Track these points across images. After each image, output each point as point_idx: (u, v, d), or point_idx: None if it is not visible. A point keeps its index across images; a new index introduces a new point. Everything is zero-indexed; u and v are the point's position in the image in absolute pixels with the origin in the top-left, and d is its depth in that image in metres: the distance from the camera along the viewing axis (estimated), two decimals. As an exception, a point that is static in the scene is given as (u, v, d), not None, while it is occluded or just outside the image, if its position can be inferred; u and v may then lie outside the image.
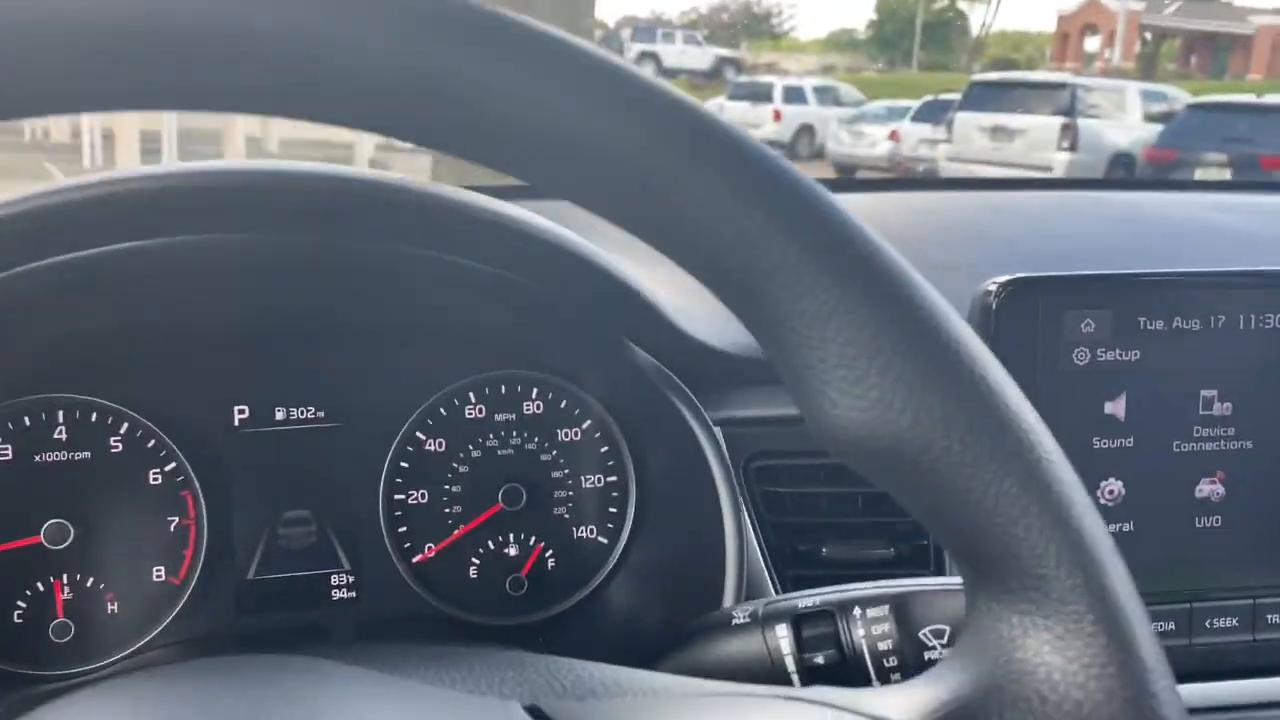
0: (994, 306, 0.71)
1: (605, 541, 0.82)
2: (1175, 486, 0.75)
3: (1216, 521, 0.76)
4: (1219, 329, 0.74)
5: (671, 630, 0.62)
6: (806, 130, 13.33)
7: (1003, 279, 0.71)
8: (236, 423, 0.78)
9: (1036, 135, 10.13)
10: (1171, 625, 0.76)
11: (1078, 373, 0.72)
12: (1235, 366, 0.75)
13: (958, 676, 0.36)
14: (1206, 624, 0.76)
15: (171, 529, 0.76)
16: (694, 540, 0.75)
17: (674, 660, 0.56)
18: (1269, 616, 0.77)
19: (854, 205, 0.37)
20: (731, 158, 0.35)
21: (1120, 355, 0.73)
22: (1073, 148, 9.91)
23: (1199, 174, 7.85)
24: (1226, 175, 7.81)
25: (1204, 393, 0.74)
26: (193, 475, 0.76)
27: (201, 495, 0.76)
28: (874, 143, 11.51)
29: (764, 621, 0.52)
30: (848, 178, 9.60)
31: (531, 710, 0.37)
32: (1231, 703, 0.76)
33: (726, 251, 0.36)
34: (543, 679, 0.40)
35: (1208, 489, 0.75)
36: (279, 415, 0.78)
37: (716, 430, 0.74)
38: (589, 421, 0.82)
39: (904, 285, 0.36)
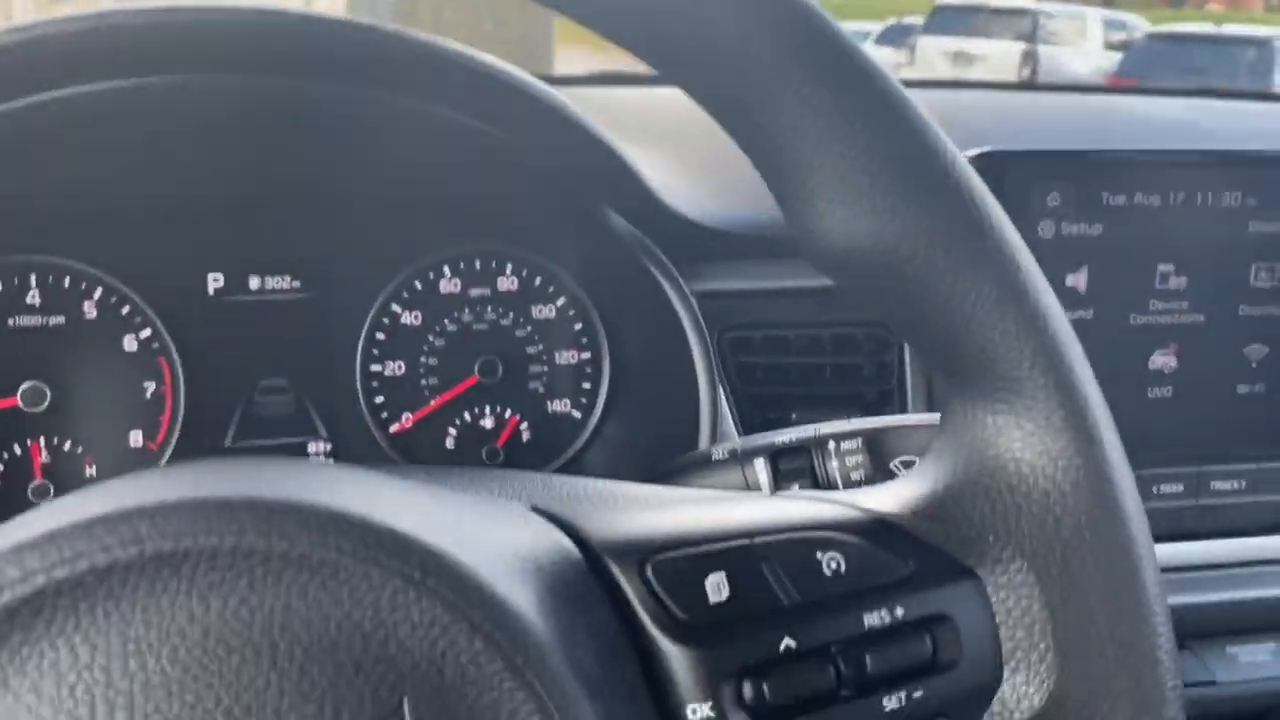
0: (963, 179, 0.73)
1: (579, 416, 0.83)
2: (1130, 358, 0.78)
3: (1168, 392, 0.79)
4: (1177, 205, 0.76)
5: (649, 472, 0.64)
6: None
7: (972, 153, 0.73)
8: (211, 291, 0.78)
9: (997, 61, 10.13)
10: (1122, 492, 0.79)
11: (1042, 245, 0.74)
12: (1191, 242, 0.77)
13: (933, 469, 0.39)
14: (1153, 490, 0.80)
15: (148, 395, 0.76)
16: (669, 412, 0.77)
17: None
18: (1213, 483, 0.80)
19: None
20: None
21: (1083, 229, 0.75)
22: (1033, 74, 9.93)
23: (1156, 103, 7.89)
24: (1183, 104, 7.85)
25: (1161, 267, 0.77)
26: (169, 342, 0.76)
27: (178, 362, 0.77)
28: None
29: (742, 457, 0.55)
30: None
31: (536, 509, 0.39)
32: (1176, 565, 0.81)
33: (721, 65, 0.37)
34: (540, 489, 0.42)
35: (1161, 361, 0.78)
36: (254, 284, 0.79)
37: (694, 301, 0.76)
38: (564, 299, 0.83)
39: (896, 101, 0.37)
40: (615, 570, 0.34)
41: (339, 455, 0.80)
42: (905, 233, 0.37)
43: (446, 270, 0.82)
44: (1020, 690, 0.37)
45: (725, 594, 0.34)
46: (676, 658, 0.33)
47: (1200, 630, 0.83)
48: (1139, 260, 0.76)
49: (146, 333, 0.76)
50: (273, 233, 0.78)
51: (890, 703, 0.35)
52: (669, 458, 0.74)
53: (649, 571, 0.34)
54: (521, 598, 0.32)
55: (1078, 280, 0.75)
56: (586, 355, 0.84)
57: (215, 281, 0.78)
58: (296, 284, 0.79)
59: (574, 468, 0.82)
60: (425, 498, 0.35)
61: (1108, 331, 0.77)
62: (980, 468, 0.38)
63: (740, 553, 0.35)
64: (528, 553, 0.34)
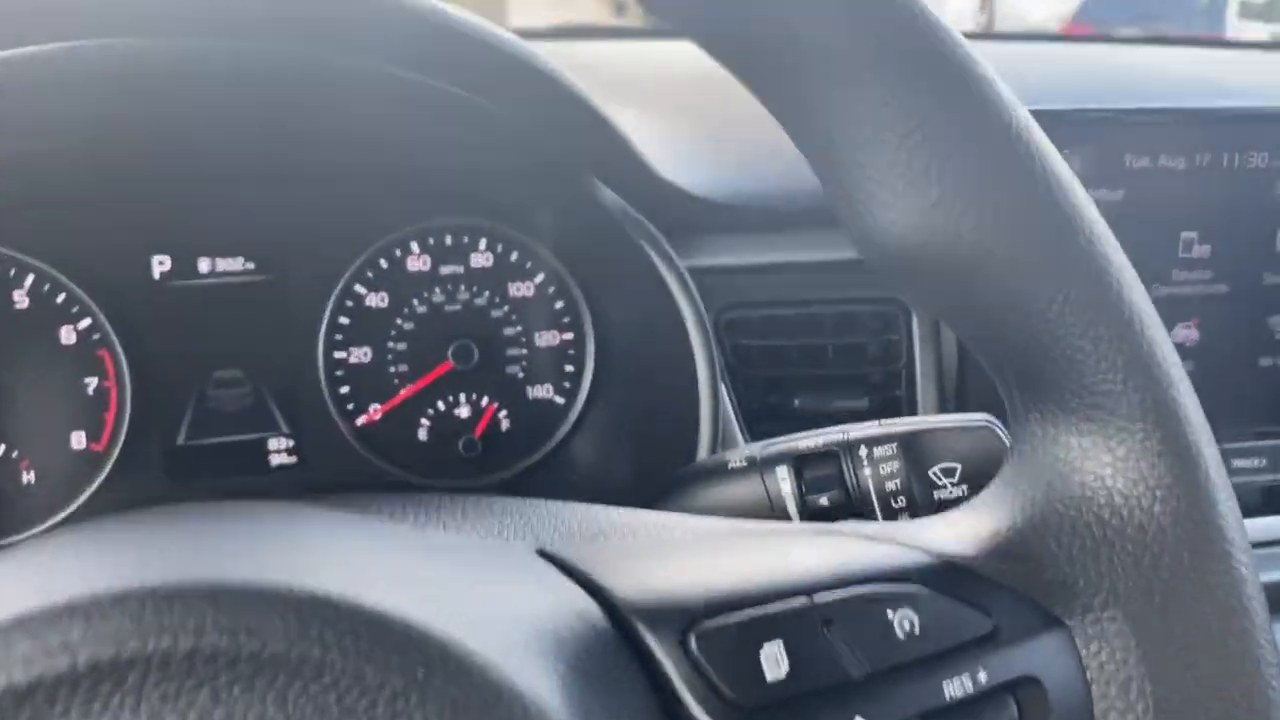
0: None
1: (562, 401, 0.77)
2: (1151, 332, 0.73)
3: (1189, 367, 0.74)
4: (1203, 167, 0.71)
5: (643, 487, 0.59)
6: None
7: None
8: (157, 275, 0.71)
9: (954, 4, 10.06)
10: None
11: (1060, 214, 0.69)
12: (1215, 208, 0.72)
13: (1009, 502, 0.33)
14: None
15: (90, 391, 0.69)
16: (662, 395, 0.71)
17: (669, 506, 0.53)
18: (1234, 461, 0.76)
19: None
20: None
21: (1105, 194, 0.70)
22: (990, 20, 9.87)
23: (1112, 49, 7.89)
24: (1138, 50, 7.86)
25: (1184, 234, 0.72)
26: (111, 333, 0.69)
27: (122, 355, 0.69)
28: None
29: (763, 465, 0.49)
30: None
31: (545, 554, 0.33)
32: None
33: (769, 40, 0.31)
34: (546, 522, 0.36)
35: (1182, 334, 0.74)
36: (204, 267, 0.72)
37: (689, 277, 0.70)
38: (543, 275, 0.76)
39: (970, 73, 0.31)
40: (652, 642, 0.29)
41: (302, 451, 0.74)
42: (981, 228, 0.31)
43: (415, 246, 0.75)
44: None
45: (785, 668, 0.29)
46: None
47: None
48: (1162, 228, 0.71)
49: (86, 323, 0.69)
50: (223, 210, 0.71)
51: None
52: (662, 449, 0.69)
53: (693, 643, 0.29)
54: (542, 686, 0.26)
55: (1098, 250, 0.70)
56: (569, 336, 0.78)
57: (161, 265, 0.71)
58: (250, 266, 0.72)
59: (558, 458, 0.76)
60: (419, 557, 0.29)
61: (1128, 304, 0.72)
62: (1065, 498, 0.32)
63: (800, 616, 0.30)
64: (547, 624, 0.28)
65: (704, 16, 0.32)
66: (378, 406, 0.75)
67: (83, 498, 0.69)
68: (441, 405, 0.76)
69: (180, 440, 0.72)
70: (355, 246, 0.74)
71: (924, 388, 0.72)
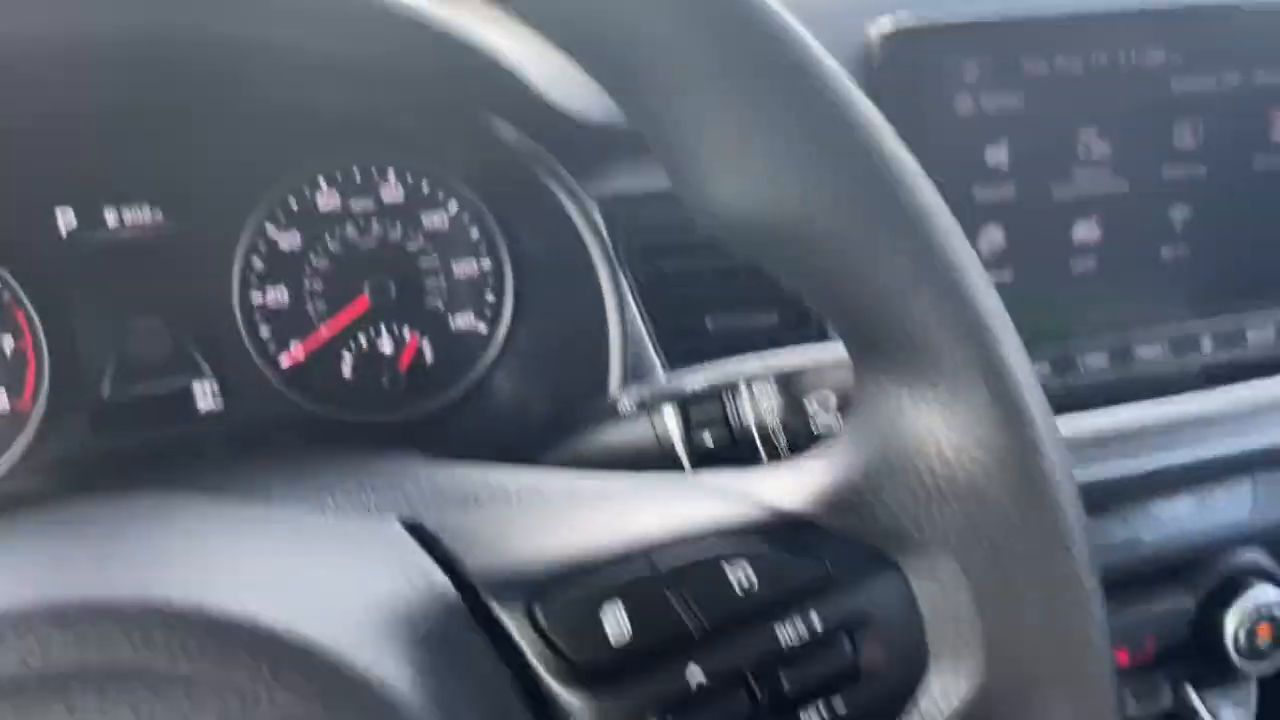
0: (877, 56, 0.67)
1: (485, 330, 0.79)
2: (1054, 232, 0.75)
3: (1092, 263, 0.76)
4: (1099, 67, 0.71)
5: (558, 419, 0.61)
6: None
7: (887, 27, 0.67)
8: (64, 230, 0.70)
9: None
10: (1046, 367, 0.78)
11: (960, 122, 0.70)
12: (1113, 106, 0.73)
13: (846, 455, 0.35)
14: (1078, 362, 0.78)
15: (8, 353, 0.70)
16: (577, 324, 0.72)
17: (560, 452, 0.55)
18: (1136, 349, 0.79)
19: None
20: None
21: (1003, 101, 0.70)
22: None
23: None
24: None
25: (1083, 134, 0.73)
26: (20, 291, 0.69)
27: (35, 313, 0.70)
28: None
29: (650, 407, 0.51)
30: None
31: (410, 527, 0.35)
32: (1101, 434, 0.80)
33: (593, 18, 0.31)
34: (420, 488, 0.38)
35: (1085, 232, 0.75)
36: (110, 218, 0.71)
37: (594, 207, 0.70)
38: (456, 204, 0.77)
39: (793, 46, 0.32)
40: (500, 614, 0.31)
41: (227, 394, 0.75)
42: (808, 200, 0.32)
43: (322, 183, 0.75)
44: (948, 683, 0.34)
45: (626, 629, 0.31)
46: (578, 709, 0.30)
47: (1124, 493, 0.83)
48: (1061, 129, 0.72)
49: (-6, 284, 0.69)
50: (124, 157, 0.71)
51: (810, 717, 0.32)
52: (577, 380, 0.71)
53: (539, 613, 0.31)
54: (392, 667, 0.28)
55: (998, 155, 0.71)
56: (487, 264, 0.78)
57: (66, 218, 0.70)
58: (159, 214, 0.72)
59: (483, 390, 0.78)
60: (270, 546, 0.31)
61: (1030, 206, 0.73)
62: (896, 450, 0.34)
63: (640, 579, 0.32)
64: (400, 604, 0.30)
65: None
66: (299, 346, 0.76)
67: (11, 457, 0.70)
68: (364, 341, 0.77)
69: (106, 393, 0.72)
70: (262, 187, 0.73)
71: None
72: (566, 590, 0.31)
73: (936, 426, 0.34)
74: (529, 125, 0.68)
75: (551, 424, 0.59)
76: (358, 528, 0.34)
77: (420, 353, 0.78)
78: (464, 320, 0.79)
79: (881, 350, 0.34)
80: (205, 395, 0.75)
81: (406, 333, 0.78)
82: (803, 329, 0.74)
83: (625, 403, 0.52)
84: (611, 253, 0.70)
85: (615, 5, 0.31)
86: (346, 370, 0.77)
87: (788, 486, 0.35)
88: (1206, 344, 0.80)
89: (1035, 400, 0.34)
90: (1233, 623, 0.85)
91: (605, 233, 0.70)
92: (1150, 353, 0.79)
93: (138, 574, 0.27)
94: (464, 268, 0.78)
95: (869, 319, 0.33)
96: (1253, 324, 0.80)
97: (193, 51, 0.65)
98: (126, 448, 0.73)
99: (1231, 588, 0.86)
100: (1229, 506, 0.86)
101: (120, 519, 0.31)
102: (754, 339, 0.74)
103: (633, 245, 0.73)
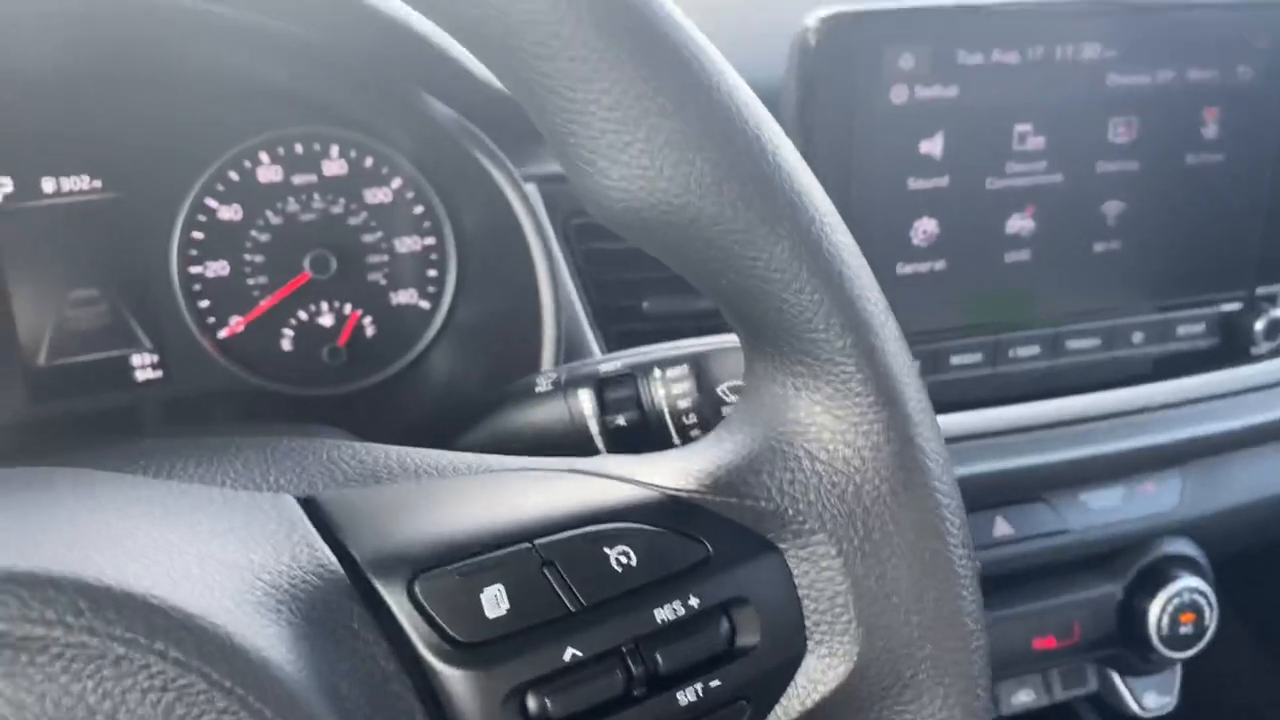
0: (812, 43, 0.68)
1: (427, 306, 0.79)
2: (987, 223, 0.76)
3: (1026, 255, 0.77)
4: (1035, 60, 0.72)
5: (486, 398, 0.61)
6: None
7: (823, 14, 0.67)
8: (1, 199, 0.70)
9: None
10: (979, 356, 0.79)
11: (895, 112, 0.70)
12: (1049, 100, 0.74)
13: (733, 439, 0.36)
14: (1010, 353, 0.79)
15: (-58, 319, 0.70)
16: (514, 302, 0.73)
17: (480, 430, 0.55)
18: (1068, 343, 0.80)
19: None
20: None
21: (939, 91, 0.71)
22: None
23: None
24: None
25: (1018, 127, 0.74)
26: (-45, 260, 0.69)
27: (-30, 281, 0.70)
28: None
29: (566, 387, 0.52)
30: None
31: (305, 501, 0.35)
32: (1031, 424, 0.81)
33: (478, 10, 0.32)
34: (322, 466, 0.39)
35: (1018, 224, 0.76)
36: (48, 186, 0.71)
37: (530, 187, 0.71)
38: (399, 180, 0.77)
39: (672, 37, 0.32)
40: (383, 591, 0.31)
41: (166, 367, 0.75)
42: (688, 192, 0.33)
43: (265, 157, 0.75)
44: (824, 663, 0.36)
45: (504, 608, 0.32)
46: (455, 682, 0.31)
47: (1055, 482, 0.85)
48: (996, 122, 0.73)
49: (-72, 250, 0.69)
50: (62, 126, 0.70)
51: (686, 696, 0.33)
52: (511, 359, 0.71)
53: (418, 591, 0.31)
54: (271, 638, 0.29)
55: (933, 146, 0.72)
56: (431, 241, 0.79)
57: (3, 187, 0.70)
58: (97, 183, 0.72)
59: (421, 365, 0.78)
60: (154, 517, 0.32)
61: (964, 197, 0.74)
62: (778, 435, 0.35)
63: (520, 559, 0.32)
64: (283, 580, 0.31)
65: None
66: (238, 319, 0.76)
67: (-55, 423, 0.70)
68: (304, 315, 0.77)
69: (41, 361, 0.72)
70: (204, 158, 0.73)
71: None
72: (448, 569, 0.32)
73: (818, 413, 0.35)
74: (463, 103, 0.68)
75: (480, 403, 0.60)
76: (249, 501, 0.34)
77: (360, 327, 0.78)
78: (405, 296, 0.79)
79: (765, 337, 0.35)
80: (144, 366, 0.75)
81: (348, 308, 0.78)
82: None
83: (543, 383, 0.53)
84: (548, 232, 0.70)
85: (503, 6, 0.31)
86: (286, 344, 0.77)
87: (677, 469, 0.36)
88: (1137, 337, 0.81)
89: (912, 390, 0.35)
90: (1157, 610, 0.87)
91: (542, 212, 0.70)
92: (1082, 344, 0.80)
93: (18, 543, 0.28)
94: (406, 244, 0.78)
95: (752, 307, 0.34)
96: (1183, 318, 0.82)
97: (133, 19, 0.65)
98: (63, 418, 0.73)
99: (1158, 577, 0.88)
100: (1158, 497, 0.88)
101: (7, 488, 0.32)
102: (691, 322, 0.75)
103: (569, 225, 0.73)
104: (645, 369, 0.50)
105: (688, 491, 0.35)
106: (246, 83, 0.72)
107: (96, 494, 0.32)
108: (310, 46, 0.67)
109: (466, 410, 0.64)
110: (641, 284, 0.75)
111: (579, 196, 0.35)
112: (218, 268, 0.75)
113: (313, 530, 0.33)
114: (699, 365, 0.49)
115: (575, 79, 0.32)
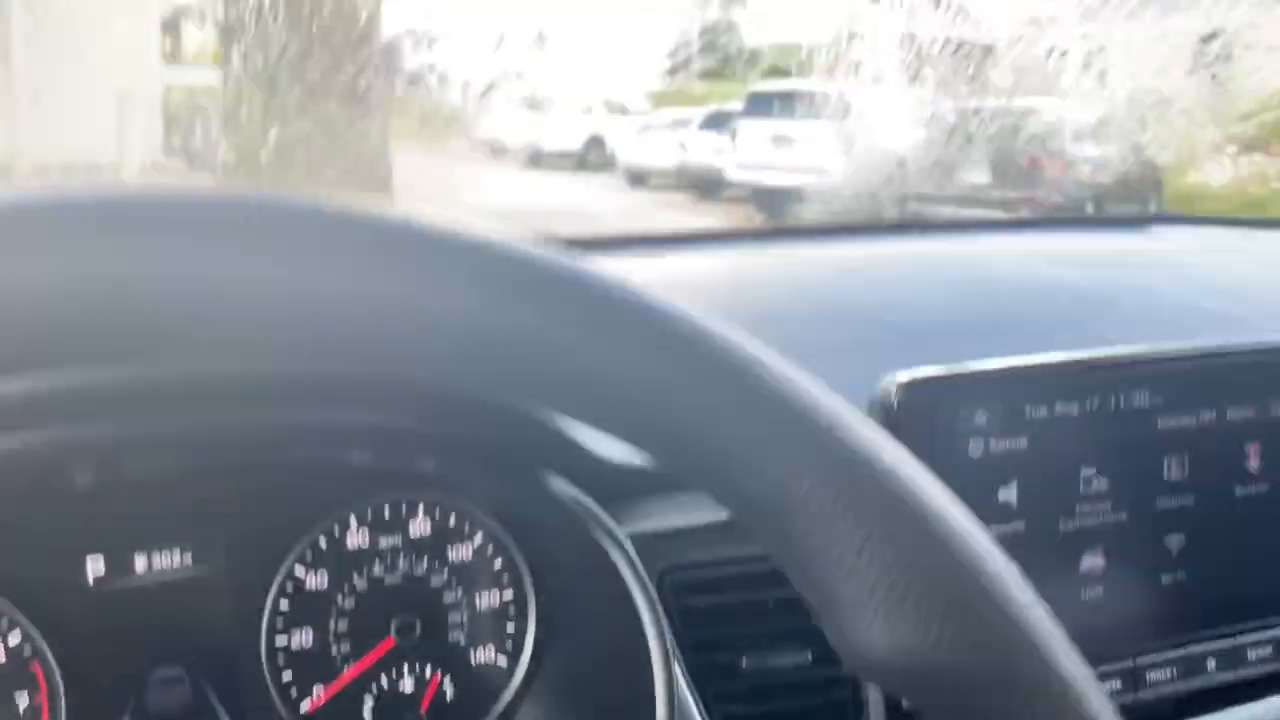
0: (894, 404, 0.72)
1: (505, 664, 0.78)
2: (1062, 563, 0.78)
3: (1099, 592, 0.79)
4: (1094, 410, 0.77)
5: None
6: (596, 142, 13.45)
7: (903, 379, 0.72)
8: (91, 579, 0.69)
9: (814, 141, 10.56)
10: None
11: (972, 464, 0.74)
12: (1108, 444, 0.78)
13: None
14: (1095, 690, 0.79)
15: (20, 710, 0.67)
16: (611, 663, 0.72)
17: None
18: (1148, 675, 0.81)
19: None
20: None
21: (1010, 443, 0.75)
22: (848, 152, 10.38)
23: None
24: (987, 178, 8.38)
25: (1084, 471, 0.78)
26: (43, 645, 0.67)
27: (55, 667, 0.67)
28: (663, 152, 11.72)
29: None
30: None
31: None
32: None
33: (747, 476, 0.34)
34: None
35: (1090, 562, 0.79)
36: (140, 565, 0.70)
37: (627, 545, 0.72)
38: (481, 535, 0.78)
39: (931, 500, 0.35)
40: None
41: (245, 744, 0.72)
42: (956, 650, 0.34)
43: (353, 522, 0.75)
44: None
45: None
46: None
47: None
48: (1064, 467, 0.77)
49: (16, 638, 0.67)
50: (157, 505, 0.71)
51: None
52: (617, 712, 0.70)
53: None
54: None
55: (1009, 494, 0.75)
56: (509, 594, 0.78)
57: (95, 566, 0.69)
58: (189, 559, 0.71)
59: (508, 726, 0.76)
60: None
61: (1040, 540, 0.77)
62: None
63: None
64: None
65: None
66: (321, 689, 0.74)
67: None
68: (385, 682, 0.75)
69: (115, 748, 0.69)
70: (296, 530, 0.74)
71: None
72: None
73: None
74: (572, 473, 0.70)
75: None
76: None
77: (441, 692, 0.77)
78: (485, 653, 0.78)
79: None
80: (221, 748, 0.72)
81: (429, 671, 0.76)
82: (834, 662, 0.75)
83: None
84: (650, 589, 0.71)
85: (770, 478, 0.34)
86: (367, 713, 0.75)
87: None
88: (1210, 664, 0.82)
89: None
90: None
91: (642, 569, 0.71)
92: (1159, 676, 0.81)
93: None
94: (486, 599, 0.78)
95: None
96: (1249, 643, 0.84)
97: (228, 405, 0.67)
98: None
99: None
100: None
101: None
102: (788, 675, 0.75)
103: (664, 582, 0.74)
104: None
105: None
106: (345, 466, 0.74)
107: None
108: (410, 431, 0.70)
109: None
110: (736, 640, 0.74)
111: (838, 648, 0.36)
112: (302, 638, 0.74)
113: None
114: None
115: (847, 549, 0.34)
